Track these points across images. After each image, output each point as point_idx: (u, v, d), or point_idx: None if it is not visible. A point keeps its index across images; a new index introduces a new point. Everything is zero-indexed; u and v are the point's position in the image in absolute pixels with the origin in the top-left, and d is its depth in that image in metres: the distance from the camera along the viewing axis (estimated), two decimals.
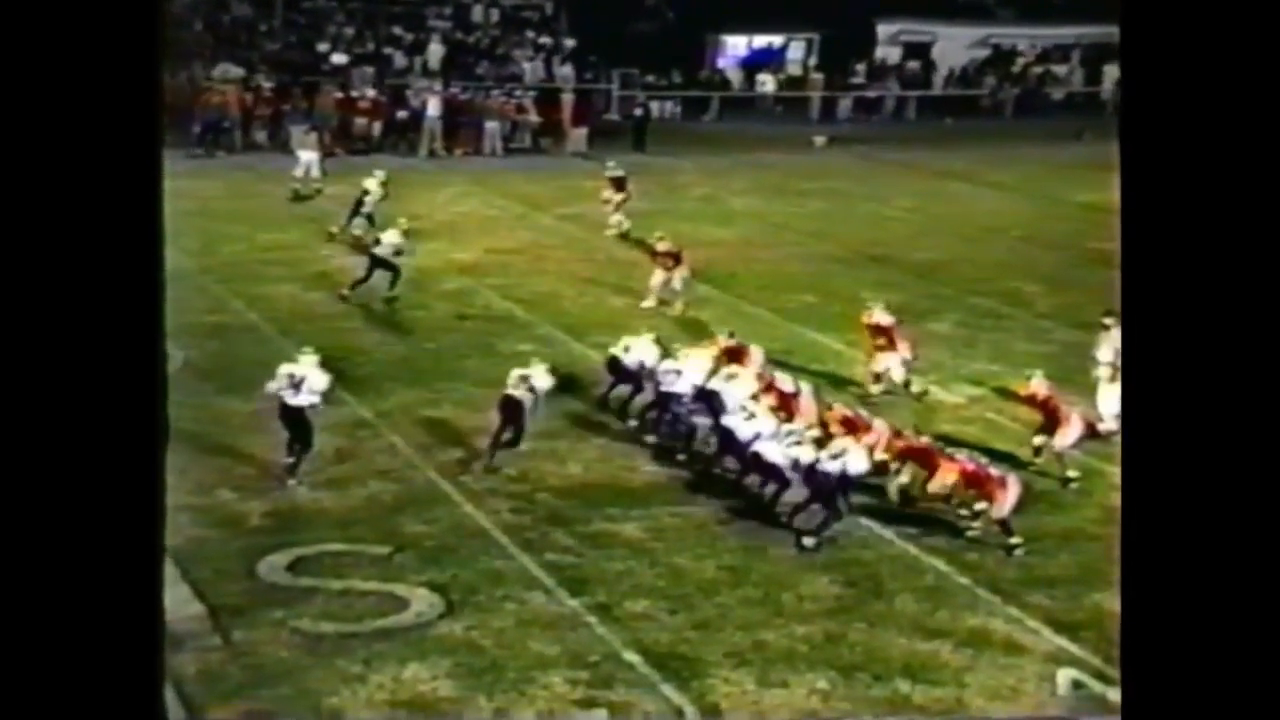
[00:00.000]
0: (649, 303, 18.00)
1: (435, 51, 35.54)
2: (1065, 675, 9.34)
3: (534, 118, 32.77)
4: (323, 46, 35.06)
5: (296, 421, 12.12)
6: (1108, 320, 14.31)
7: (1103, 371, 14.28)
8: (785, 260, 21.64)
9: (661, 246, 18.47)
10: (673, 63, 38.57)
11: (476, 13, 37.56)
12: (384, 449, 13.24)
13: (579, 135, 32.41)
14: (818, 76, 40.40)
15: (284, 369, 12.36)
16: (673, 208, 24.84)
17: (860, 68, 40.73)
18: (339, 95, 31.77)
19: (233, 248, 21.32)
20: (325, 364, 12.71)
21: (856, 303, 18.94)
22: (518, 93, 33.59)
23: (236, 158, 29.33)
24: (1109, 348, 14.15)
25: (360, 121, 31.49)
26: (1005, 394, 15.25)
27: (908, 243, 22.29)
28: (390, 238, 18.14)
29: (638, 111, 34.26)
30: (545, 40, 37.22)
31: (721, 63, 41.61)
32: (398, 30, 36.45)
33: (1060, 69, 42.18)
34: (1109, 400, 13.73)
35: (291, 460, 12.11)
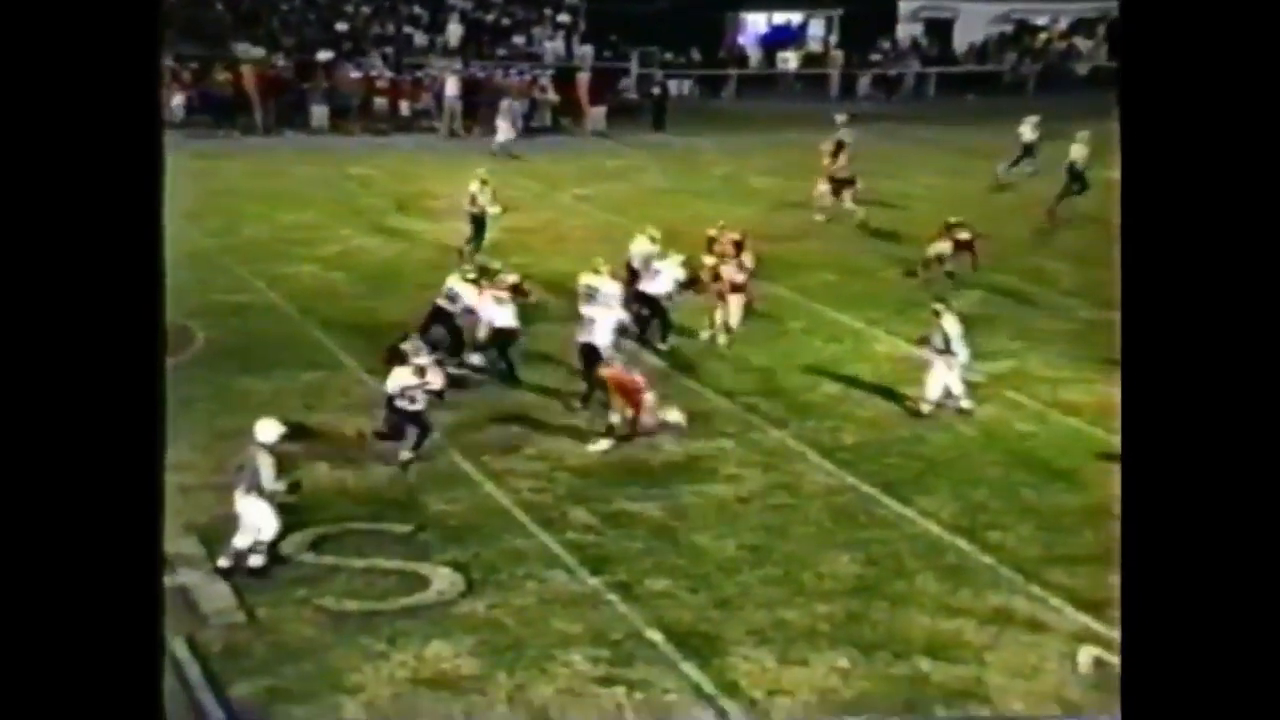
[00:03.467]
0: (818, 217, 21.93)
1: (454, 31, 35.50)
2: (1087, 653, 9.32)
3: (553, 96, 32.71)
4: (341, 26, 35.06)
5: (449, 324, 15.09)
6: (938, 307, 14.09)
7: (930, 356, 13.93)
8: (806, 238, 21.56)
9: (842, 174, 22.72)
10: (692, 41, 38.42)
11: None
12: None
13: (597, 114, 32.35)
14: (838, 54, 40.18)
15: (447, 287, 15.18)
16: (693, 186, 24.77)
17: (882, 45, 40.49)
18: (358, 75, 31.79)
19: (254, 228, 21.39)
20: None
21: (877, 280, 18.90)
22: (536, 72, 33.54)
23: (255, 138, 29.39)
24: (939, 335, 13.81)
25: (380, 101, 31.53)
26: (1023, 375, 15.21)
27: (931, 220, 22.16)
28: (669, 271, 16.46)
29: (656, 90, 34.16)
30: (564, 19, 37.11)
31: (742, 40, 41.43)
32: (416, 9, 36.42)
33: (1084, 44, 41.82)
34: (935, 385, 13.76)
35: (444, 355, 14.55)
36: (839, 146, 24.94)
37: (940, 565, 10.68)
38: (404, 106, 31.62)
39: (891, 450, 13.04)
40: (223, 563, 10.18)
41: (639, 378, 12.83)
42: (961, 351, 13.91)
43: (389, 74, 32.35)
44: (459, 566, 10.46)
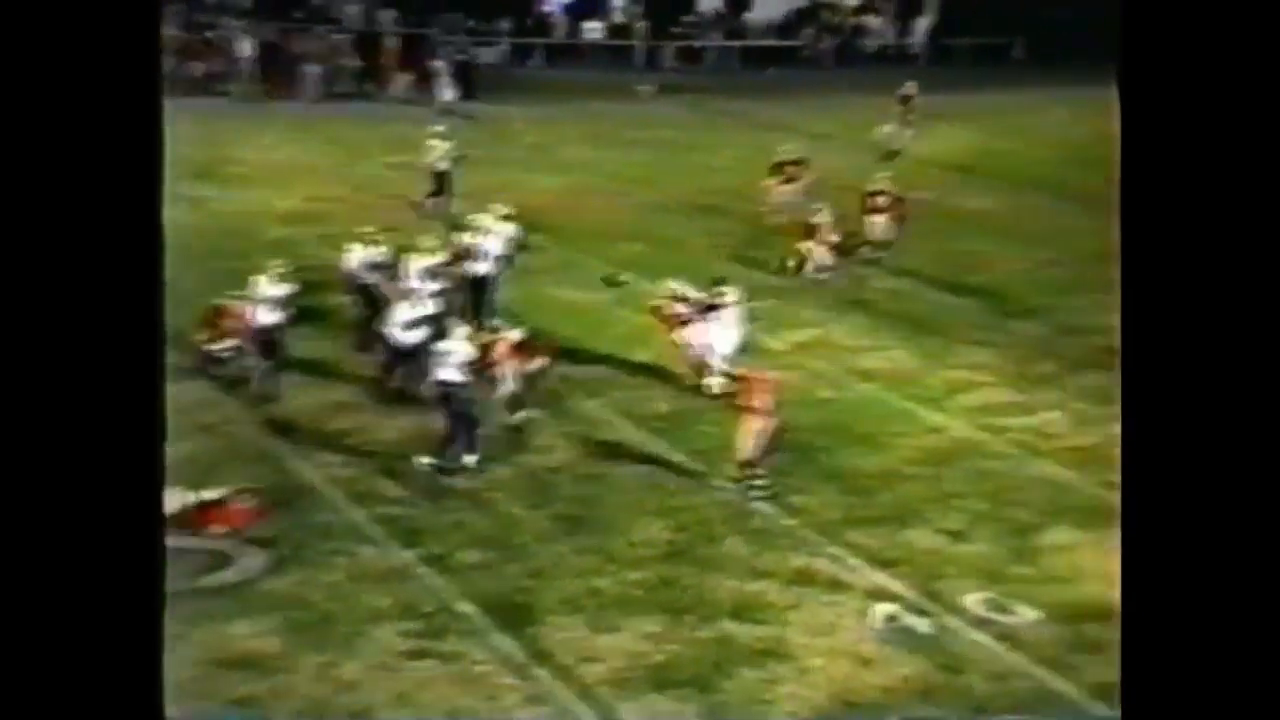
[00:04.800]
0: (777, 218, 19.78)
1: None
2: (881, 610, 9.75)
3: (355, 61, 31.92)
4: None
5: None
6: (723, 289, 13.88)
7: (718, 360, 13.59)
8: (615, 210, 21.70)
9: (785, 157, 20.71)
10: (498, 8, 38.07)
11: None
12: (207, 402, 12.87)
13: (404, 80, 31.74)
14: (642, 24, 40.46)
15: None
16: (502, 156, 24.60)
17: (686, 17, 40.95)
18: None
19: None
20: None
21: (685, 252, 19.18)
22: (337, 35, 32.66)
23: None
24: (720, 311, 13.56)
25: (170, 62, 30.20)
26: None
27: (735, 192, 22.61)
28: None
29: (462, 57, 33.73)
30: None
31: (548, 8, 41.28)
32: None
33: (873, 21, 43.15)
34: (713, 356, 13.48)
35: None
36: (906, 100, 25.42)
37: (746, 529, 10.98)
38: (196, 68, 30.35)
39: (701, 418, 13.30)
40: None
41: None
42: (733, 334, 13.57)
43: (178, 33, 30.98)
44: (264, 543, 10.22)
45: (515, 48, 38.17)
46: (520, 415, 12.43)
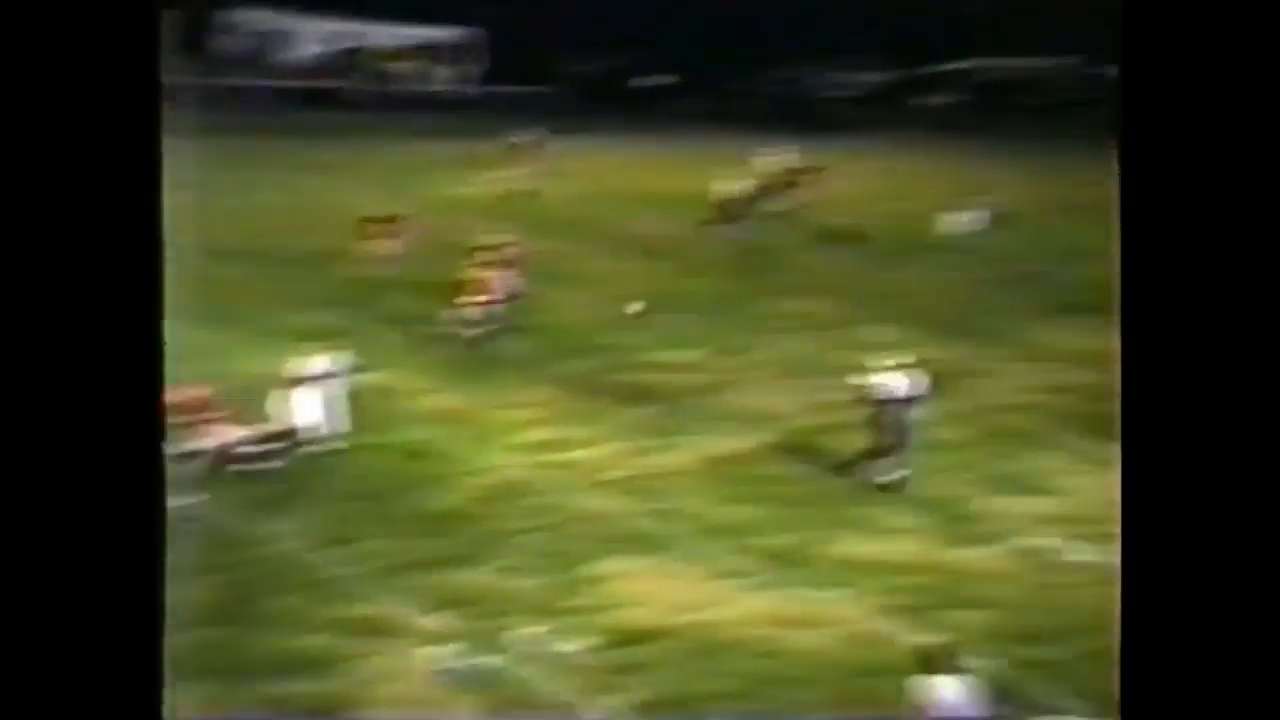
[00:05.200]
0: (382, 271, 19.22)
1: None
2: (442, 651, 9.75)
3: None
4: None
5: None
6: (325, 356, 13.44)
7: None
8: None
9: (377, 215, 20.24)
10: None
11: None
12: None
13: None
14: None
15: None
16: None
17: (209, 54, 39.48)
18: None
19: None
20: None
21: (231, 296, 18.37)
22: None
23: None
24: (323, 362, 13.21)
25: None
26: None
27: (279, 235, 21.98)
28: None
29: None
30: None
31: None
32: None
33: (428, 67, 43.66)
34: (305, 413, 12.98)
35: None
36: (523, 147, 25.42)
37: (305, 581, 10.65)
38: None
39: (250, 470, 12.75)
40: None
41: None
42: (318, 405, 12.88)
43: None
44: None
45: None
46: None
